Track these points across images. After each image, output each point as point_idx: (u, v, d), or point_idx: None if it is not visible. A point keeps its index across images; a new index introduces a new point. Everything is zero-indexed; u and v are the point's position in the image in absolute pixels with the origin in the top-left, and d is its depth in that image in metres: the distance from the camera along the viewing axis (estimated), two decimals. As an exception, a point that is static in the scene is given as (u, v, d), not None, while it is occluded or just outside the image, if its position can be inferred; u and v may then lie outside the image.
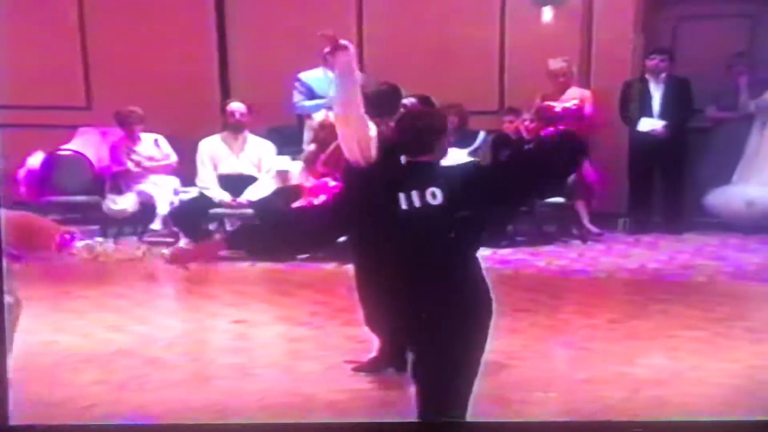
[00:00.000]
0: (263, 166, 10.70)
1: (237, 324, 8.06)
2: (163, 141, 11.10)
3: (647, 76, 11.34)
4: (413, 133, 4.92)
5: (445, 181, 4.74)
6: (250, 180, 10.62)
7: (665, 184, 11.33)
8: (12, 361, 4.94)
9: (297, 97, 11.14)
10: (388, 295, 4.84)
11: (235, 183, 10.58)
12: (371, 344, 6.80)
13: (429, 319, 4.73)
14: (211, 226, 10.80)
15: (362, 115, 6.56)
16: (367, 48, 11.95)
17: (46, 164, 11.32)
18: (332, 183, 9.65)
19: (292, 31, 11.74)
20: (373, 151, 6.55)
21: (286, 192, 10.35)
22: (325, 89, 10.99)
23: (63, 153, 11.48)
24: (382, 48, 11.71)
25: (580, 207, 10.99)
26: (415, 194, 4.68)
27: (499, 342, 7.21)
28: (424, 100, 6.67)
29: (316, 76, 11.09)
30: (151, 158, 11.06)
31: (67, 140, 11.64)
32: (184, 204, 10.73)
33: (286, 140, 11.13)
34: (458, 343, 4.77)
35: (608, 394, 6.39)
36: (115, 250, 5.41)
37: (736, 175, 11.07)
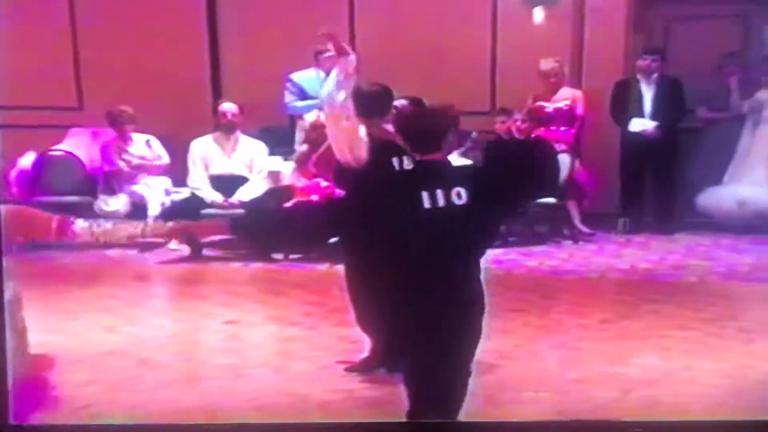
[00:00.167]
0: (255, 166, 10.69)
1: (229, 324, 8.06)
2: (155, 142, 11.09)
3: (639, 76, 11.35)
4: (425, 131, 4.95)
5: (470, 181, 4.78)
6: (241, 180, 10.61)
7: (657, 184, 11.35)
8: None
9: (288, 98, 11.15)
10: (392, 294, 4.84)
11: (227, 183, 10.57)
12: (363, 344, 6.81)
13: (435, 318, 4.75)
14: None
15: (353, 117, 6.58)
16: (359, 49, 11.93)
17: (38, 165, 11.30)
18: (324, 183, 9.66)
19: (283, 32, 11.74)
20: (364, 152, 6.57)
21: (278, 192, 10.34)
22: (317, 90, 10.96)
23: (54, 153, 11.45)
24: (373, 49, 11.69)
25: (572, 207, 11.01)
26: (439, 193, 4.70)
27: (491, 342, 7.23)
28: (416, 102, 6.67)
29: (307, 77, 11.10)
30: (142, 159, 11.05)
31: (59, 141, 11.62)
32: (175, 205, 10.72)
33: (278, 141, 11.13)
34: (458, 342, 4.80)
35: (600, 394, 6.40)
36: (114, 229, 5.42)
37: (728, 175, 11.09)
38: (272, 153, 10.89)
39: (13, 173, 11.19)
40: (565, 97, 11.14)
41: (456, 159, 8.14)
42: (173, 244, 10.64)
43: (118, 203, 10.86)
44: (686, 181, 11.23)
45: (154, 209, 10.72)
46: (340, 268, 7.12)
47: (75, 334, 7.63)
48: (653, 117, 11.23)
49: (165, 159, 11.09)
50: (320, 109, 10.41)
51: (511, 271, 9.66)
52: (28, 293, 6.31)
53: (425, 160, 4.88)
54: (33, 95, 11.50)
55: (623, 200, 11.38)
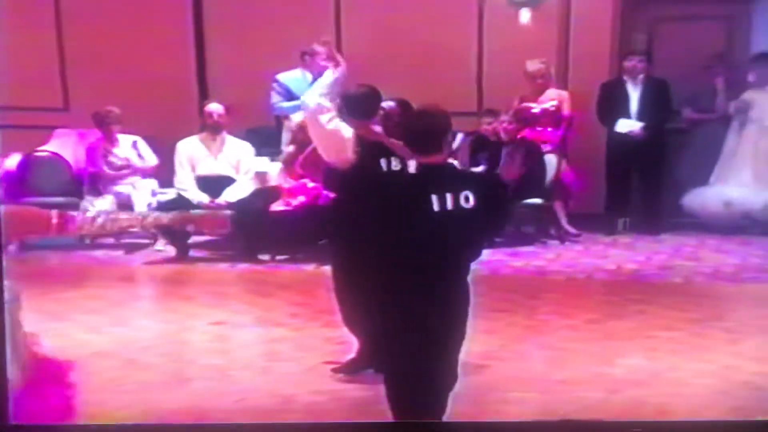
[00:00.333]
0: (242, 167, 10.68)
1: (216, 325, 8.05)
2: (142, 143, 11.06)
3: (625, 77, 11.36)
4: (429, 132, 4.96)
5: (475, 185, 4.81)
6: (228, 181, 10.60)
7: (643, 185, 11.35)
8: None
9: (275, 98, 11.14)
10: (391, 296, 4.85)
11: (214, 184, 10.55)
12: (350, 345, 6.81)
13: (436, 319, 4.77)
14: (190, 228, 10.75)
15: (335, 120, 6.59)
16: (345, 49, 11.94)
17: (23, 166, 11.27)
18: (311, 184, 9.66)
19: (270, 32, 11.74)
20: (349, 154, 6.57)
21: (265, 193, 10.34)
22: (303, 90, 10.96)
23: (40, 154, 11.43)
24: (360, 50, 11.69)
25: (558, 208, 11.03)
26: (448, 196, 4.72)
27: (478, 342, 7.26)
28: (403, 104, 6.68)
29: (294, 77, 11.10)
30: (127, 160, 11.02)
31: (44, 141, 11.59)
32: (162, 206, 10.70)
33: (265, 141, 11.12)
34: (452, 343, 4.83)
35: (586, 395, 6.42)
36: (116, 220, 5.40)
37: (714, 175, 11.11)
38: (259, 154, 10.88)
39: (-2, 174, 11.16)
40: (551, 98, 11.15)
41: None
42: (159, 245, 10.64)
43: (104, 204, 10.83)
44: (672, 181, 11.26)
45: (140, 210, 10.70)
46: (327, 269, 7.13)
47: (61, 336, 7.58)
48: (639, 118, 11.24)
49: (152, 161, 11.07)
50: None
51: (497, 272, 9.66)
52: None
53: (431, 163, 4.90)
54: (18, 96, 11.44)
55: (610, 201, 11.39)
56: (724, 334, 7.64)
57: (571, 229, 10.98)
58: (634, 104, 11.30)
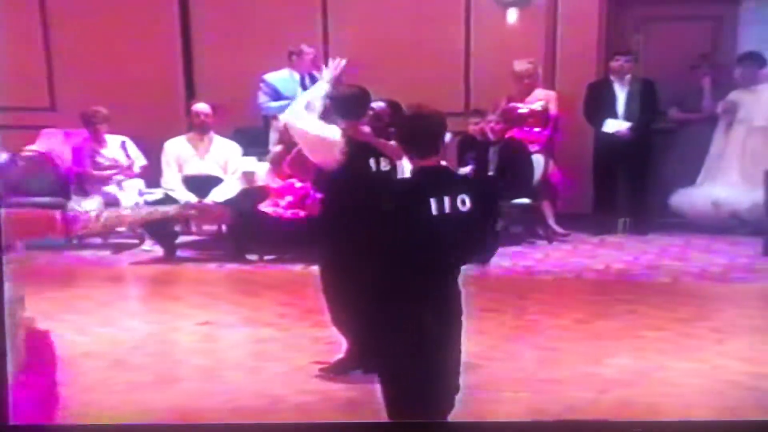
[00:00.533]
0: (229, 167, 10.67)
1: (204, 325, 8.04)
2: (130, 144, 11.03)
3: (612, 77, 11.38)
4: (427, 135, 4.96)
5: (471, 188, 4.81)
6: (215, 181, 10.58)
7: (630, 184, 11.37)
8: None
9: (262, 98, 11.14)
10: (387, 298, 4.84)
11: (201, 184, 10.53)
12: (339, 346, 6.81)
13: (433, 322, 4.77)
14: (177, 228, 10.74)
15: (317, 124, 6.61)
16: (333, 49, 11.94)
17: (10, 165, 11.23)
18: (298, 184, 9.65)
19: (257, 32, 11.74)
20: (337, 155, 6.56)
21: (252, 193, 10.32)
22: (291, 90, 10.99)
23: (27, 154, 11.38)
24: (347, 50, 11.65)
25: (546, 208, 11.04)
26: (447, 200, 4.73)
27: (466, 342, 7.27)
28: (393, 105, 6.67)
29: (281, 77, 11.10)
30: (115, 161, 11.00)
31: (31, 141, 11.55)
32: (149, 205, 10.68)
33: (252, 141, 11.11)
34: (447, 343, 4.84)
35: (575, 394, 6.43)
36: (121, 215, 5.40)
37: (701, 176, 11.13)
38: (246, 153, 10.87)
39: (-15, 174, 11.12)
40: (538, 98, 11.17)
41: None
42: (146, 245, 10.62)
43: (91, 205, 10.79)
44: (660, 181, 11.28)
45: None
46: (315, 269, 7.12)
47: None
48: (626, 118, 11.25)
49: (141, 161, 11.04)
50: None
51: (486, 272, 9.66)
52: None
53: (427, 166, 4.89)
54: (5, 96, 11.41)
55: (597, 201, 11.41)
56: (712, 333, 7.65)
57: (559, 229, 10.99)
58: (621, 104, 11.31)
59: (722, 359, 7.07)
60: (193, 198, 10.38)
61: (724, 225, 10.77)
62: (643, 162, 11.29)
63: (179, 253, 10.48)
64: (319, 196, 6.13)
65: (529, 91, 11.21)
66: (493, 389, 6.47)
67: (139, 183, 11.01)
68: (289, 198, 9.84)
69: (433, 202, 4.73)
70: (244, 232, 10.16)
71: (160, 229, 10.26)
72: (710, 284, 9.27)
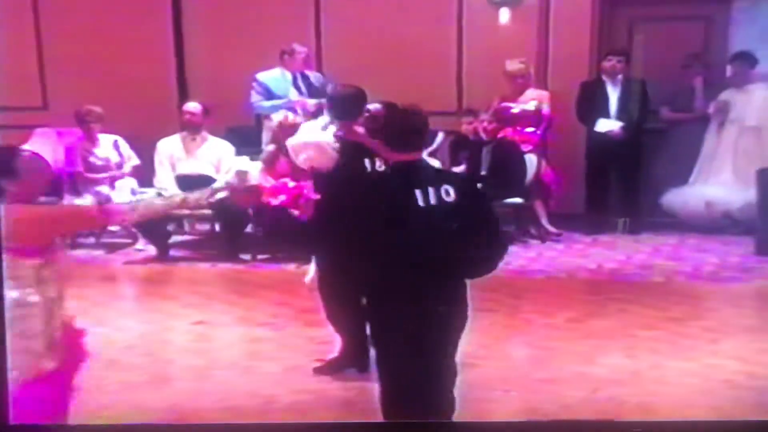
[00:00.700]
0: (222, 166, 10.66)
1: (197, 325, 8.04)
2: (122, 143, 11.03)
3: (604, 77, 11.39)
4: (413, 130, 4.98)
5: (452, 181, 4.83)
6: (208, 181, 10.55)
7: (623, 184, 11.39)
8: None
9: (255, 98, 11.12)
10: (381, 293, 4.85)
11: (193, 183, 10.48)
12: (333, 345, 6.81)
13: (429, 316, 4.77)
14: (170, 227, 10.74)
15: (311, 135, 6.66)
16: (325, 49, 11.96)
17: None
18: (291, 184, 9.64)
19: (249, 32, 11.73)
20: (333, 155, 6.58)
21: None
22: (283, 89, 10.99)
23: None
24: (340, 49, 11.71)
25: (539, 207, 11.05)
26: (431, 191, 4.74)
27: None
28: (390, 107, 6.69)
29: (273, 77, 11.09)
30: (107, 160, 10.99)
31: (24, 141, 11.52)
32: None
33: (245, 140, 11.10)
34: (445, 339, 4.86)
35: (568, 393, 6.44)
36: (152, 204, 5.40)
37: (694, 175, 11.15)
38: (239, 153, 10.85)
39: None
40: (531, 98, 11.17)
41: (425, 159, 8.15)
42: (139, 245, 10.62)
43: (84, 204, 10.79)
44: (652, 181, 11.30)
45: (120, 209, 10.67)
46: (308, 268, 7.13)
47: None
48: (619, 117, 11.26)
49: (133, 161, 11.04)
50: (288, 108, 10.46)
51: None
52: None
53: (411, 160, 4.90)
54: (-3, 95, 11.41)
55: (589, 200, 11.42)
56: (704, 333, 7.68)
57: (552, 229, 11.00)
58: (613, 104, 11.32)
59: (715, 358, 7.10)
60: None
61: (717, 224, 10.79)
62: (636, 162, 11.30)
63: (172, 252, 10.48)
64: (314, 196, 6.13)
65: (522, 91, 11.23)
66: (486, 388, 6.48)
67: (132, 182, 11.00)
68: (282, 197, 9.82)
69: (418, 194, 4.75)
70: (236, 232, 10.18)
71: (153, 228, 10.25)
72: (703, 283, 9.29)
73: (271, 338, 7.70)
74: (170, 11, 12.26)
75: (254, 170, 10.40)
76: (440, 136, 11.18)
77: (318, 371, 6.78)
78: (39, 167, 5.11)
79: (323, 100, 10.22)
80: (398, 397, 4.89)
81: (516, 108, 11.08)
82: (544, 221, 11.03)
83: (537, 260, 10.15)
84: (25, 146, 11.17)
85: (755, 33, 11.40)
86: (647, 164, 11.38)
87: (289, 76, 11.08)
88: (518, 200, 10.75)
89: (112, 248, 10.61)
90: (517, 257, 10.21)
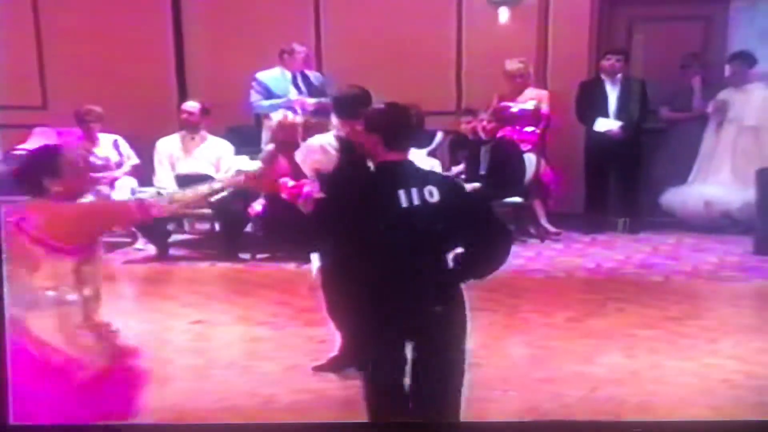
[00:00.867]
0: (221, 165, 10.66)
1: (196, 324, 8.04)
2: (122, 142, 11.03)
3: (603, 76, 11.40)
4: (409, 128, 4.98)
5: (438, 181, 4.83)
6: (207, 180, 10.54)
7: (622, 184, 11.40)
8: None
9: (254, 97, 11.13)
10: (367, 293, 4.86)
11: (193, 183, 10.45)
12: (332, 344, 6.81)
13: (413, 316, 4.77)
14: (169, 226, 10.74)
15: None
16: (325, 49, 11.96)
17: (1, 164, 11.22)
18: (291, 183, 9.64)
19: (249, 31, 11.73)
20: (334, 154, 6.59)
21: (245, 192, 10.31)
22: (283, 89, 11.00)
23: (18, 153, 11.36)
24: (339, 49, 11.72)
25: (538, 206, 11.06)
26: (414, 192, 4.74)
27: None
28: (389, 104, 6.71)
29: (273, 76, 11.09)
30: (107, 160, 10.99)
31: (23, 140, 11.55)
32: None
33: (245, 140, 11.11)
34: (433, 343, 4.86)
35: (567, 393, 6.44)
36: (191, 194, 5.43)
37: (693, 175, 11.16)
38: (239, 152, 10.86)
39: (-23, 173, 11.10)
40: (530, 97, 11.18)
41: (424, 158, 8.18)
42: (139, 244, 10.62)
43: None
44: (651, 180, 11.31)
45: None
46: (308, 267, 7.13)
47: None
48: (618, 117, 11.27)
49: (133, 161, 11.04)
50: (287, 108, 10.47)
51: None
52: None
53: (397, 160, 4.90)
54: (-3, 94, 11.42)
55: (588, 200, 11.43)
56: (703, 332, 7.68)
57: (551, 228, 11.01)
58: (612, 103, 11.33)
59: (714, 358, 7.10)
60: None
61: (715, 224, 10.80)
62: (635, 161, 11.31)
63: (172, 251, 10.48)
64: (317, 194, 6.15)
65: (521, 91, 11.23)
66: (485, 388, 6.48)
67: (132, 182, 11.00)
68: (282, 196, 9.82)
69: (402, 194, 4.75)
70: (236, 231, 10.19)
71: (153, 227, 10.25)
72: (702, 283, 9.30)
73: (270, 337, 7.70)
74: (170, 11, 12.26)
75: (254, 169, 10.43)
76: (439, 136, 11.21)
77: (318, 370, 6.78)
78: (81, 167, 5.17)
79: (323, 100, 10.35)
80: (374, 394, 4.91)
81: (515, 107, 11.09)
82: (543, 221, 11.04)
83: (536, 260, 10.16)
84: (24, 145, 11.34)
85: (754, 33, 11.43)
86: (646, 164, 11.39)
87: (288, 75, 11.09)
88: (517, 200, 10.76)
89: (111, 247, 10.60)
90: (516, 257, 10.17)
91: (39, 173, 4.96)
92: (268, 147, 10.20)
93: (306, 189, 7.42)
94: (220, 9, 12.03)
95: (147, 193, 10.57)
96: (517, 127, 11.04)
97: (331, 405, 6.31)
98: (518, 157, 10.76)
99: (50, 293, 4.89)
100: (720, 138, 11.14)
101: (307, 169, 6.89)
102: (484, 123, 10.77)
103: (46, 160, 5.02)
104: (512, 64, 11.20)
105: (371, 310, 4.86)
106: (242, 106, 11.25)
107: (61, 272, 4.89)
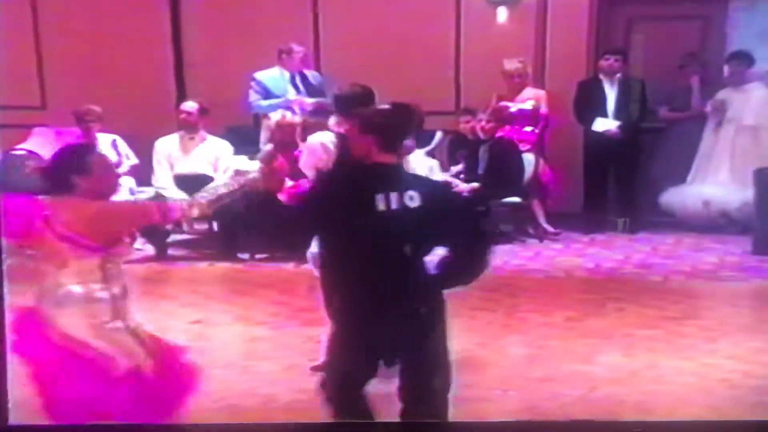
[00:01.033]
0: (220, 165, 10.65)
1: (195, 324, 8.04)
2: (121, 142, 11.01)
3: (601, 76, 11.40)
4: (406, 129, 4.97)
5: (422, 186, 4.82)
6: (206, 180, 10.55)
7: (620, 183, 11.40)
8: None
9: (253, 97, 11.13)
10: (348, 294, 4.86)
11: (192, 183, 10.49)
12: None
13: (406, 318, 4.78)
14: (168, 226, 10.72)
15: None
16: (324, 48, 11.96)
17: (0, 164, 11.21)
18: (289, 183, 9.64)
19: (247, 31, 11.73)
20: (334, 151, 6.60)
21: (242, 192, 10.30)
22: (281, 88, 11.00)
23: (17, 153, 11.37)
24: (338, 48, 11.72)
25: (536, 206, 11.06)
26: (394, 196, 4.72)
27: (456, 340, 7.26)
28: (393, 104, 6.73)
29: (271, 76, 11.10)
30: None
31: (22, 140, 11.55)
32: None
33: (243, 140, 11.10)
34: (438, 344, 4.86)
35: (565, 392, 6.45)
36: (213, 194, 5.45)
37: (691, 175, 11.16)
38: (237, 152, 10.86)
39: (-24, 173, 11.10)
40: (528, 97, 11.19)
41: (422, 158, 8.17)
42: (138, 244, 10.59)
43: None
44: (650, 180, 11.31)
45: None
46: (307, 267, 7.12)
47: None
48: (616, 117, 11.28)
49: (132, 160, 11.03)
50: (286, 108, 10.47)
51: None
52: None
53: (384, 162, 4.89)
54: (-4, 94, 11.41)
55: (587, 200, 11.43)
56: (702, 332, 7.69)
57: (550, 228, 11.01)
58: (610, 103, 11.33)
59: (712, 357, 7.11)
60: (184, 197, 10.37)
61: (714, 224, 10.81)
62: (633, 161, 11.32)
63: (171, 251, 10.48)
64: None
65: (520, 90, 11.24)
66: (484, 387, 6.49)
67: (130, 181, 11.00)
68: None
69: (380, 198, 4.74)
70: (235, 231, 10.18)
71: (152, 227, 10.25)
72: (700, 283, 9.31)
73: (269, 337, 7.70)
74: (168, 11, 12.26)
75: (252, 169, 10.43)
76: (438, 135, 11.21)
77: (316, 370, 6.77)
78: (110, 165, 5.21)
79: (321, 100, 10.36)
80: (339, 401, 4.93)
81: (514, 107, 11.09)
82: (542, 220, 11.04)
83: (535, 259, 10.16)
84: (23, 145, 11.34)
85: (752, 32, 11.43)
86: (645, 163, 11.39)
87: (287, 75, 11.10)
88: (516, 199, 10.77)
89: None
90: (515, 256, 10.23)
91: (70, 169, 5.00)
92: (266, 147, 10.21)
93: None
94: (219, 9, 12.02)
95: (145, 193, 10.62)
96: (516, 127, 11.05)
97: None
98: (517, 157, 10.76)
99: (79, 289, 4.91)
100: (718, 138, 11.14)
101: (308, 169, 6.88)
102: (483, 123, 10.77)
103: (77, 157, 5.07)
104: (511, 64, 11.21)
105: (348, 311, 4.87)
106: (241, 106, 11.25)
107: (88, 269, 4.92)
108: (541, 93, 11.29)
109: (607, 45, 11.75)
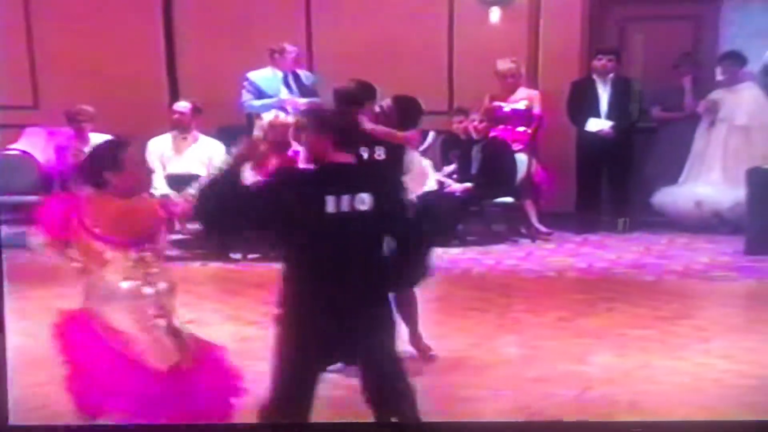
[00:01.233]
0: (212, 165, 10.64)
1: (188, 324, 8.00)
2: (113, 142, 11.01)
3: (594, 76, 11.40)
4: (358, 130, 4.96)
5: (376, 188, 4.79)
6: (198, 180, 10.54)
7: (613, 183, 11.41)
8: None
9: (246, 97, 11.12)
10: (313, 297, 4.86)
11: (184, 183, 10.44)
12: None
13: (359, 323, 4.77)
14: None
15: None
16: (316, 48, 11.95)
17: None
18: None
19: (240, 31, 11.73)
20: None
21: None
22: (274, 88, 10.99)
23: (10, 153, 11.35)
24: (330, 48, 11.71)
25: (529, 206, 11.06)
26: (345, 198, 4.70)
27: (449, 341, 7.29)
28: (399, 101, 6.76)
29: (264, 76, 11.09)
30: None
31: (14, 140, 11.53)
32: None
33: (236, 140, 11.07)
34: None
35: (558, 392, 6.43)
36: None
37: (684, 175, 11.17)
38: (230, 152, 10.83)
39: (-32, 173, 11.08)
40: (522, 97, 11.20)
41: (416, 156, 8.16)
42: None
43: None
44: (642, 180, 11.32)
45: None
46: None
47: (29, 335, 7.54)
48: (609, 117, 11.28)
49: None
50: (279, 108, 10.45)
51: (468, 271, 9.70)
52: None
53: (339, 162, 4.88)
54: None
55: (580, 199, 11.43)
56: (695, 331, 7.68)
57: (542, 228, 11.01)
58: (603, 103, 11.34)
59: (705, 357, 7.10)
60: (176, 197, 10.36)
61: (706, 224, 10.82)
62: (626, 161, 11.33)
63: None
64: None
65: (513, 90, 11.24)
66: (477, 387, 6.48)
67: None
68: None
69: (330, 200, 4.72)
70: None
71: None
72: (693, 282, 9.31)
73: (261, 337, 7.66)
74: (161, 10, 12.25)
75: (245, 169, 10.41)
76: (431, 136, 11.19)
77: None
78: (141, 162, 5.20)
79: (314, 99, 10.35)
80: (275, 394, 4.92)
81: (507, 107, 11.10)
82: (535, 220, 11.04)
83: (527, 259, 10.16)
84: (15, 145, 11.31)
85: (745, 32, 11.44)
86: (637, 163, 11.40)
87: (279, 75, 11.09)
88: (509, 199, 10.78)
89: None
90: (508, 256, 10.23)
91: (103, 165, 5.01)
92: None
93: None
94: (211, 9, 12.02)
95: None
96: (509, 127, 11.07)
97: (323, 404, 6.27)
98: (510, 157, 10.77)
99: (125, 285, 4.94)
100: (711, 138, 11.15)
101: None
102: (476, 123, 10.78)
103: (111, 153, 5.06)
104: (504, 64, 11.21)
105: (298, 309, 4.88)
106: (233, 106, 11.23)
107: (129, 266, 4.95)
108: (534, 93, 11.29)
109: (600, 45, 11.75)
